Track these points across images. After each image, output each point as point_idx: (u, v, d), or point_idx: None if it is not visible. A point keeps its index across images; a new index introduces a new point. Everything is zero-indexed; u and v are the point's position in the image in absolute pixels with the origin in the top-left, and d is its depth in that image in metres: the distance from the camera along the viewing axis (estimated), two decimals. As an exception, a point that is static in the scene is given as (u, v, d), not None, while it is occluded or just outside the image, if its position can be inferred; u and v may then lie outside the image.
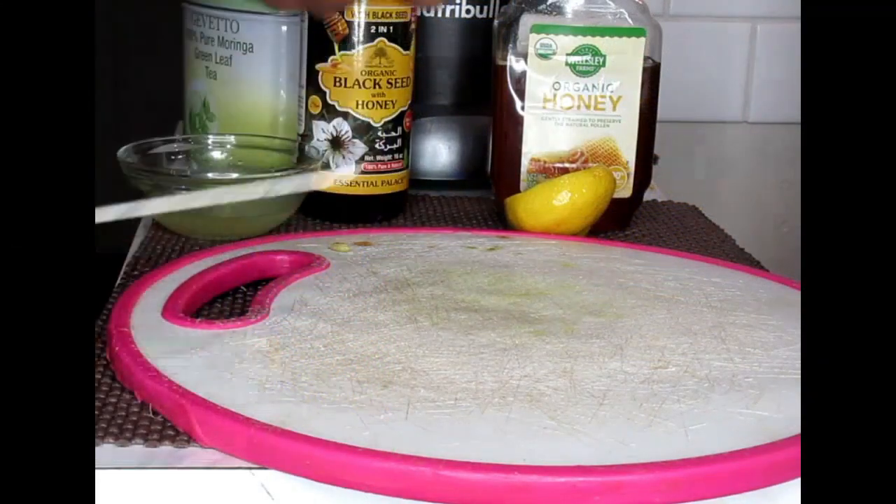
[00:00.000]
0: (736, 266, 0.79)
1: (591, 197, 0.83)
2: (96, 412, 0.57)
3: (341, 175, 0.87)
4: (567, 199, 0.83)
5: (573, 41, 0.86)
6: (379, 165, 0.88)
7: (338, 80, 0.86)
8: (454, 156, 0.98)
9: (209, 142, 0.92)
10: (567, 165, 0.88)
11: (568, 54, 0.86)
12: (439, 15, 0.98)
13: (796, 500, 0.53)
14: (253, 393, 0.57)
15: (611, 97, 0.87)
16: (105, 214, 0.63)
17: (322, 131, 0.87)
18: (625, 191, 0.89)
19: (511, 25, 0.87)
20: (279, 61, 0.94)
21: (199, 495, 0.53)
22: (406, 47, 0.88)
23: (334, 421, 0.54)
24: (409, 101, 0.89)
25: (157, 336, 0.62)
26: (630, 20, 0.87)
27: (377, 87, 0.87)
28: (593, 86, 0.87)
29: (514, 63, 0.87)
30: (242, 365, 0.60)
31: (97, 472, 0.52)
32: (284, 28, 0.94)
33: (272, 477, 0.53)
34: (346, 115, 0.86)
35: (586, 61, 0.86)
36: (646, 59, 0.87)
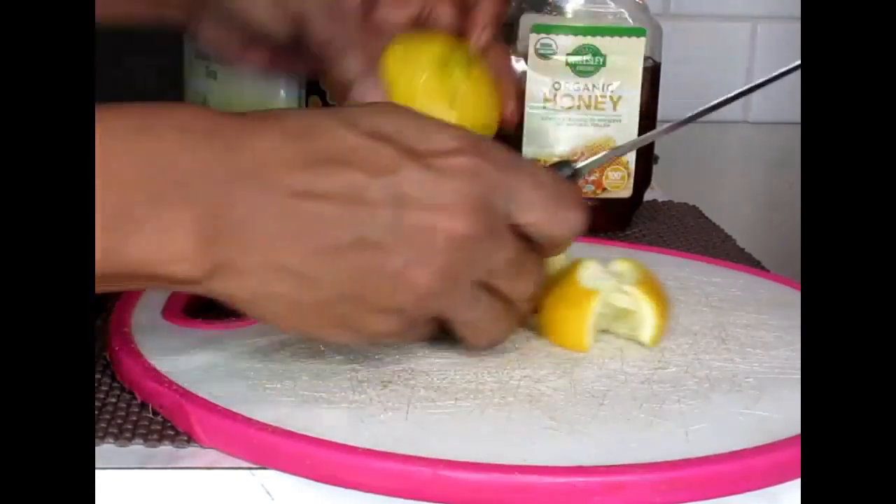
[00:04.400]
0: (736, 266, 0.79)
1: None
2: (96, 412, 0.57)
3: None
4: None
5: (573, 41, 0.86)
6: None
7: (338, 80, 0.86)
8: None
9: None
10: (567, 165, 0.88)
11: (568, 54, 0.86)
12: (439, 15, 0.98)
13: (796, 500, 0.53)
14: (253, 393, 0.57)
15: (611, 97, 0.87)
16: None
17: (322, 131, 0.87)
18: (625, 191, 0.89)
19: (511, 25, 0.87)
20: (279, 61, 0.93)
21: (199, 495, 0.53)
22: (406, 47, 0.88)
23: (334, 421, 0.54)
24: (409, 101, 0.89)
25: (157, 336, 0.62)
26: (630, 20, 0.87)
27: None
28: (593, 86, 0.87)
29: (514, 63, 0.87)
30: (242, 365, 0.60)
31: (97, 472, 0.51)
32: (284, 28, 0.93)
33: (272, 477, 0.53)
34: (346, 115, 0.86)
35: (586, 61, 0.86)
36: (646, 58, 0.87)
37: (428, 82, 0.68)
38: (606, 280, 0.64)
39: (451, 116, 0.66)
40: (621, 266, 0.65)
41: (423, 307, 0.55)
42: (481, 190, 0.54)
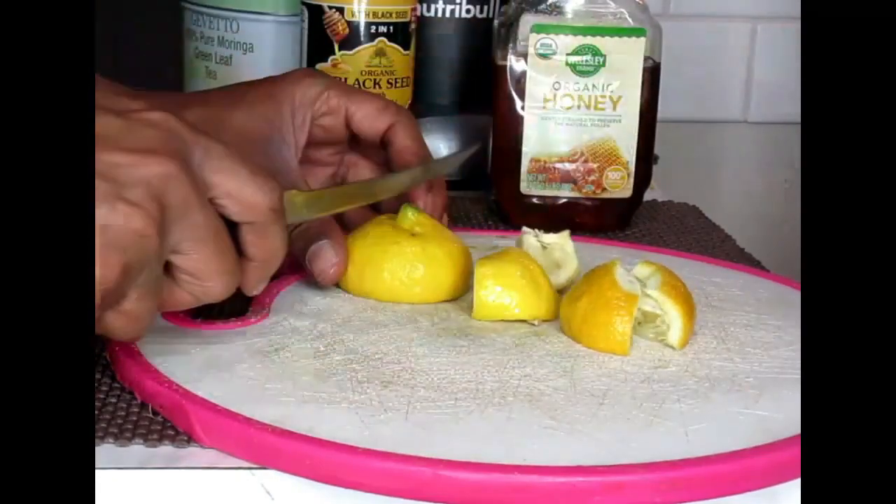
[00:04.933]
0: (736, 266, 0.79)
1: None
2: (96, 412, 0.57)
3: None
4: None
5: (573, 41, 0.86)
6: (379, 165, 0.88)
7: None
8: (454, 156, 0.98)
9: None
10: (567, 165, 0.88)
11: (568, 54, 0.86)
12: (439, 15, 0.98)
13: (796, 500, 0.53)
14: (253, 393, 0.57)
15: (611, 97, 0.87)
16: None
17: (322, 131, 0.87)
18: (625, 191, 0.89)
19: (511, 25, 0.87)
20: (279, 61, 0.94)
21: (199, 495, 0.53)
22: (406, 47, 0.88)
23: (334, 421, 0.54)
24: (408, 101, 0.89)
25: (157, 336, 0.62)
26: (630, 20, 0.87)
27: (377, 87, 0.87)
28: (593, 86, 0.87)
29: (514, 63, 0.87)
30: (242, 365, 0.60)
31: (97, 472, 0.51)
32: (284, 28, 0.94)
33: (272, 477, 0.53)
34: (346, 115, 0.86)
35: (586, 61, 0.86)
36: (646, 59, 0.87)
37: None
38: (633, 284, 0.64)
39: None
40: (644, 270, 0.65)
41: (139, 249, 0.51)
42: (176, 144, 0.53)
